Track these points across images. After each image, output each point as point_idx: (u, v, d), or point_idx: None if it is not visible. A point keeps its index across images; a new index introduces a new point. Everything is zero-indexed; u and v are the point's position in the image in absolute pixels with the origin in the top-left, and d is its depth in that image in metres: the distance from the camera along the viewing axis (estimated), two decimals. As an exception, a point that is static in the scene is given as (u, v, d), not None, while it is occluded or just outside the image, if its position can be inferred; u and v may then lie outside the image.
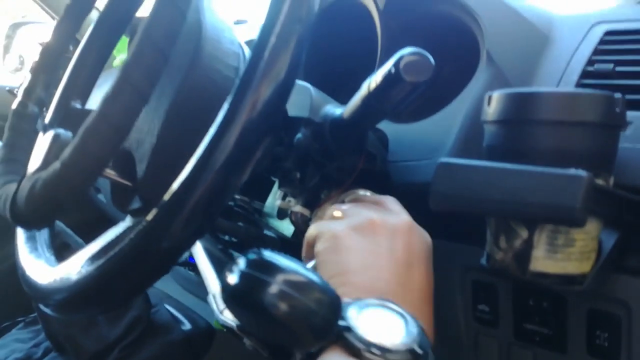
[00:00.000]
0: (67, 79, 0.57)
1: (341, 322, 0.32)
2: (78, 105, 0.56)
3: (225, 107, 0.38)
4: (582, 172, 0.38)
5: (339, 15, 0.78)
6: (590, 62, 0.54)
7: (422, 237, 0.44)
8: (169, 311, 0.98)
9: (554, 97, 0.42)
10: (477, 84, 0.58)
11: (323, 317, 0.32)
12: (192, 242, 0.40)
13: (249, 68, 0.38)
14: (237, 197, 0.70)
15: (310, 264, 0.43)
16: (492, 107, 0.45)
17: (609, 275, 0.46)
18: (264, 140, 0.39)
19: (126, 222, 0.51)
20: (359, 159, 0.55)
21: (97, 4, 0.60)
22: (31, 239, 0.56)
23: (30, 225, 0.50)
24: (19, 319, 1.03)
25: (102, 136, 0.36)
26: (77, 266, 0.44)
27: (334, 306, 0.32)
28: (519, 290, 0.53)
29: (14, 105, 0.57)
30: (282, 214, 0.62)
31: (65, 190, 0.38)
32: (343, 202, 0.52)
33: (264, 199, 0.69)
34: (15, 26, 1.63)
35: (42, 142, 0.47)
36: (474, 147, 0.51)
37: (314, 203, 0.56)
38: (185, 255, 0.74)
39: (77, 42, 0.60)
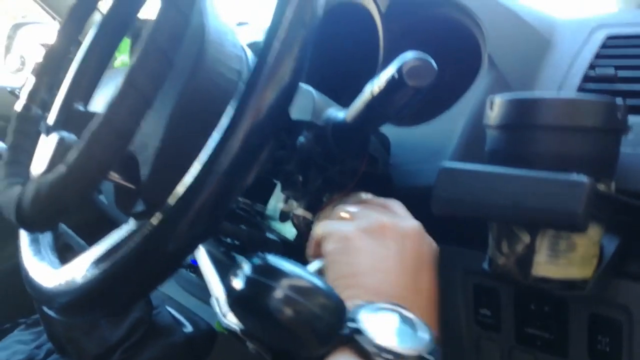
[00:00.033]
0: (70, 81, 0.58)
1: (352, 324, 0.32)
2: (81, 107, 0.56)
3: (230, 111, 0.38)
4: (583, 178, 0.38)
5: (340, 18, 0.78)
6: (591, 67, 0.54)
7: (430, 243, 0.44)
8: (170, 313, 0.98)
9: (556, 103, 0.43)
10: (478, 88, 0.59)
11: (327, 322, 0.32)
12: (197, 246, 0.40)
13: (254, 73, 0.38)
14: (239, 199, 0.70)
15: (316, 264, 0.43)
16: (495, 112, 0.46)
17: (610, 281, 0.47)
18: (268, 144, 0.39)
19: (130, 225, 0.51)
20: (361, 162, 0.55)
21: (97, 6, 0.61)
22: (35, 241, 0.56)
23: (35, 228, 0.50)
24: (21, 321, 1.03)
25: (107, 140, 0.37)
26: (81, 269, 0.45)
27: (338, 311, 0.33)
28: (520, 294, 0.53)
29: (18, 108, 0.57)
30: (284, 216, 0.62)
31: (70, 194, 0.38)
32: (346, 204, 0.52)
33: (265, 201, 0.69)
34: (17, 27, 1.63)
35: (46, 145, 0.48)
36: (475, 150, 0.51)
37: (316, 206, 0.57)
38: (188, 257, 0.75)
39: (79, 44, 0.60)
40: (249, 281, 0.33)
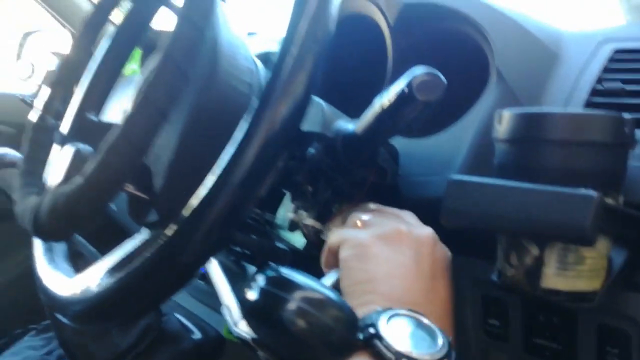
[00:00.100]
0: (83, 91, 0.59)
1: (370, 330, 0.33)
2: (93, 117, 0.57)
3: (244, 125, 0.39)
4: (592, 192, 0.39)
5: (349, 30, 0.79)
6: (599, 81, 0.54)
7: (444, 250, 0.44)
8: (179, 320, 0.99)
9: (565, 118, 0.43)
10: (486, 101, 0.59)
11: (339, 334, 0.32)
12: (210, 257, 0.41)
13: (268, 87, 0.39)
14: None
15: (331, 277, 0.43)
16: (503, 126, 0.46)
17: (618, 293, 0.47)
18: (281, 156, 0.40)
19: (143, 235, 0.52)
20: (370, 173, 0.56)
21: (110, 17, 0.62)
22: (49, 250, 0.57)
23: (51, 238, 0.51)
24: (31, 327, 1.04)
25: (123, 153, 0.37)
26: (96, 278, 0.45)
27: (350, 323, 0.33)
28: (529, 305, 0.54)
29: (33, 118, 0.58)
30: (293, 226, 0.62)
31: (87, 205, 0.39)
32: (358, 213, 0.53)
33: (275, 210, 0.70)
34: (27, 34, 1.65)
35: (62, 156, 0.49)
36: (483, 163, 0.52)
37: (326, 216, 0.57)
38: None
39: (93, 55, 0.61)
40: (262, 293, 0.34)
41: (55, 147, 0.55)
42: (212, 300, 0.88)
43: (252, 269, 0.78)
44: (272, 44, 0.80)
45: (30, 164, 0.56)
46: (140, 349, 0.88)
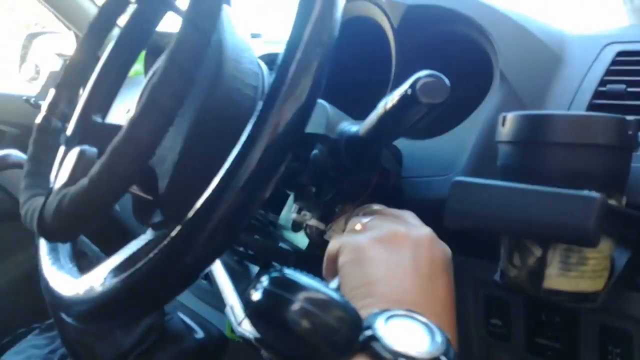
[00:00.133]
0: (88, 93, 0.59)
1: (368, 332, 0.33)
2: (99, 120, 0.58)
3: (248, 128, 0.39)
4: (595, 194, 0.39)
5: (353, 32, 0.79)
6: (602, 83, 0.55)
7: (443, 249, 0.45)
8: (182, 319, 0.99)
9: (568, 120, 0.43)
10: (490, 103, 0.59)
11: (344, 335, 0.33)
12: (215, 259, 0.41)
13: (272, 90, 0.39)
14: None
15: (334, 282, 0.44)
16: (507, 128, 0.46)
17: (621, 293, 0.47)
18: (285, 159, 0.40)
19: (147, 235, 0.52)
20: (374, 174, 0.56)
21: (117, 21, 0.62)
22: (54, 250, 0.57)
23: (57, 239, 0.51)
24: (35, 325, 1.04)
25: (129, 156, 0.38)
26: (100, 278, 0.46)
27: (354, 324, 0.33)
28: (531, 305, 0.54)
29: (38, 120, 0.59)
30: (297, 227, 0.63)
31: (92, 206, 0.40)
32: (358, 215, 0.53)
33: (278, 211, 0.70)
34: (32, 36, 1.66)
35: (67, 157, 0.49)
36: (486, 165, 0.52)
37: (329, 217, 0.58)
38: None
39: (98, 58, 0.61)
40: (266, 293, 0.34)
41: (61, 149, 0.56)
42: (215, 299, 0.89)
43: (255, 268, 0.78)
44: (276, 46, 0.80)
45: (36, 165, 0.57)
46: (144, 348, 0.89)
